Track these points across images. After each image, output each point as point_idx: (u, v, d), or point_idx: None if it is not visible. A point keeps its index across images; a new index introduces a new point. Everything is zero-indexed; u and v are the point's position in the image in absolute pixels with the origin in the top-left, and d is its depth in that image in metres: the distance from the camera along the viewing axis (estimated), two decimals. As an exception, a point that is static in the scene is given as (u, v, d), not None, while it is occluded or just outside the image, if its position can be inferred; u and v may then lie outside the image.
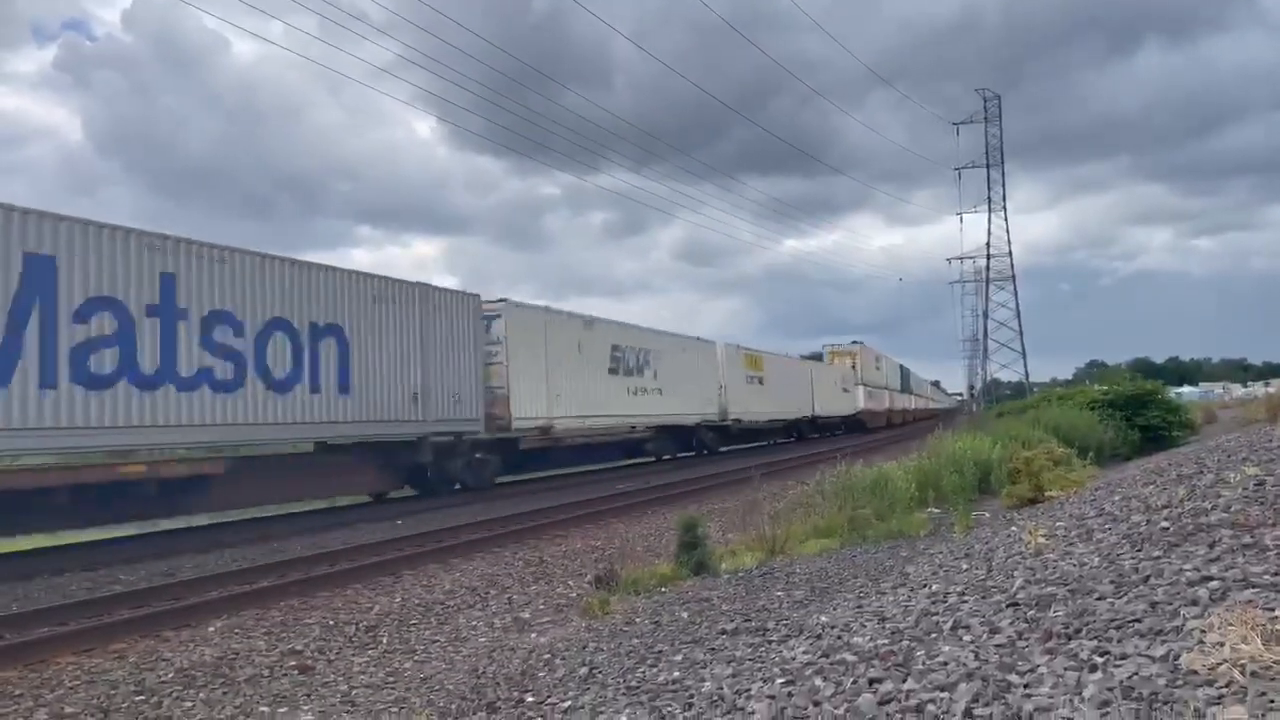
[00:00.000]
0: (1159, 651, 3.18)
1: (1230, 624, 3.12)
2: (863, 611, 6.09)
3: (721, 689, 4.66)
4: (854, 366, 54.43)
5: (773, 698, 4.03)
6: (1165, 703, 2.76)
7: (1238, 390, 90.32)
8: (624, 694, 5.62)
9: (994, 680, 3.38)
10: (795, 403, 41.90)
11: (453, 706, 6.01)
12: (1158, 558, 4.66)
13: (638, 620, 7.98)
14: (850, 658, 4.37)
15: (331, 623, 8.30)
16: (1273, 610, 3.21)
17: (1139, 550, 5.02)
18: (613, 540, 13.13)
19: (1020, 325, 79.92)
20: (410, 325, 17.61)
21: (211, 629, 8.05)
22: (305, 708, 6.15)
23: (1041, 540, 6.70)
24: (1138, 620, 3.63)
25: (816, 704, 3.75)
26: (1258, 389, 75.90)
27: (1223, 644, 3.00)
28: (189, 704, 6.17)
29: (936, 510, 13.81)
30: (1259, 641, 2.91)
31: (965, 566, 7.00)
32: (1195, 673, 2.90)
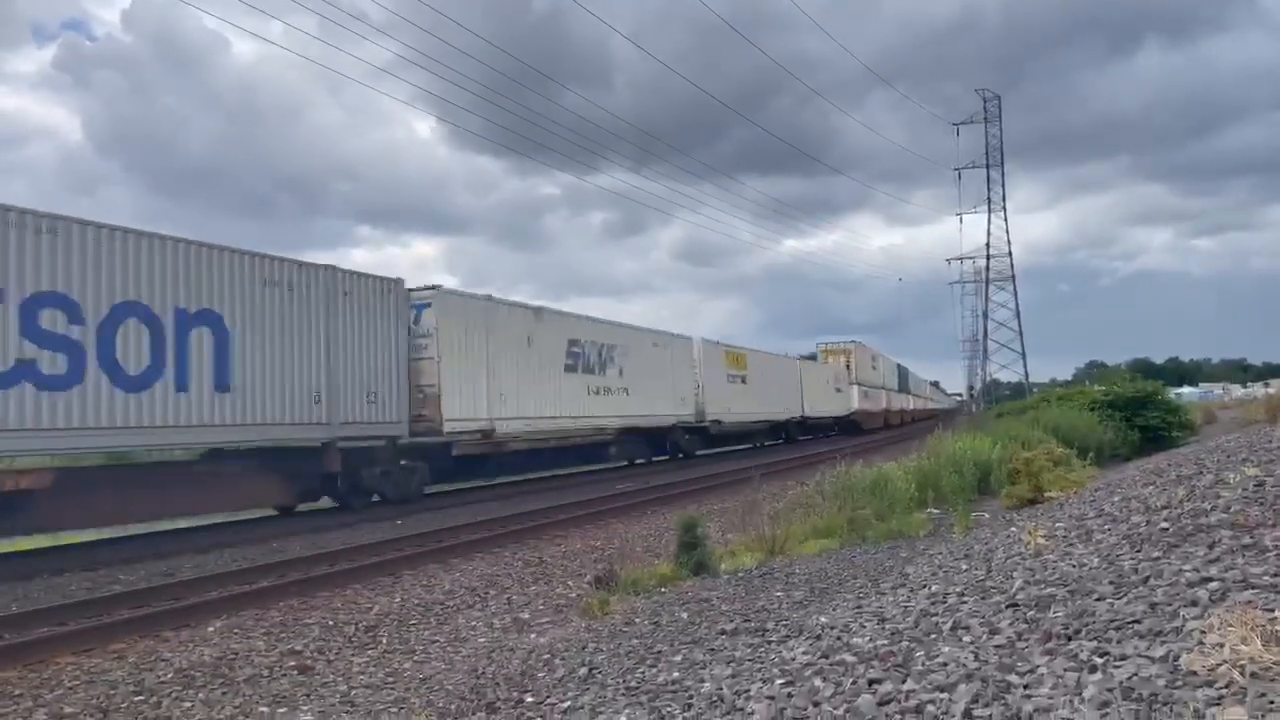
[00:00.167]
0: (1159, 652, 3.18)
1: (1230, 625, 3.12)
2: (862, 612, 6.09)
3: (721, 689, 4.65)
4: (848, 366, 52.81)
5: (772, 698, 4.03)
6: (1165, 703, 2.76)
7: (1237, 391, 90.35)
8: (623, 694, 5.61)
9: (994, 681, 3.38)
10: (783, 403, 40.09)
11: (452, 707, 6.01)
12: (1157, 559, 4.66)
13: (637, 621, 7.98)
14: (850, 658, 4.36)
15: (331, 623, 8.29)
16: (1272, 611, 3.21)
17: (1139, 551, 5.02)
18: (612, 540, 13.13)
19: (1020, 325, 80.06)
20: (313, 314, 15.46)
21: (211, 629, 8.05)
22: (305, 708, 6.15)
23: (1041, 541, 6.70)
24: (1137, 621, 3.63)
25: (816, 704, 3.75)
26: (1257, 389, 75.92)
27: (1222, 645, 3.00)
28: (188, 704, 6.17)
29: (936, 511, 13.81)
30: (1259, 642, 2.91)
31: (965, 567, 7.00)
32: (1195, 673, 2.90)
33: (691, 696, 4.92)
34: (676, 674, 5.90)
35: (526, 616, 8.73)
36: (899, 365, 71.66)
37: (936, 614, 5.00)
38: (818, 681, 4.09)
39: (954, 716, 3.18)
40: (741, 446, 37.63)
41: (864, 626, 5.39)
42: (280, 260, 15.06)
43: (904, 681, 3.70)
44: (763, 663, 5.29)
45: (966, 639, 4.18)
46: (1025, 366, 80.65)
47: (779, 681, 4.32)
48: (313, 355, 15.41)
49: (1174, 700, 2.76)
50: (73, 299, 11.93)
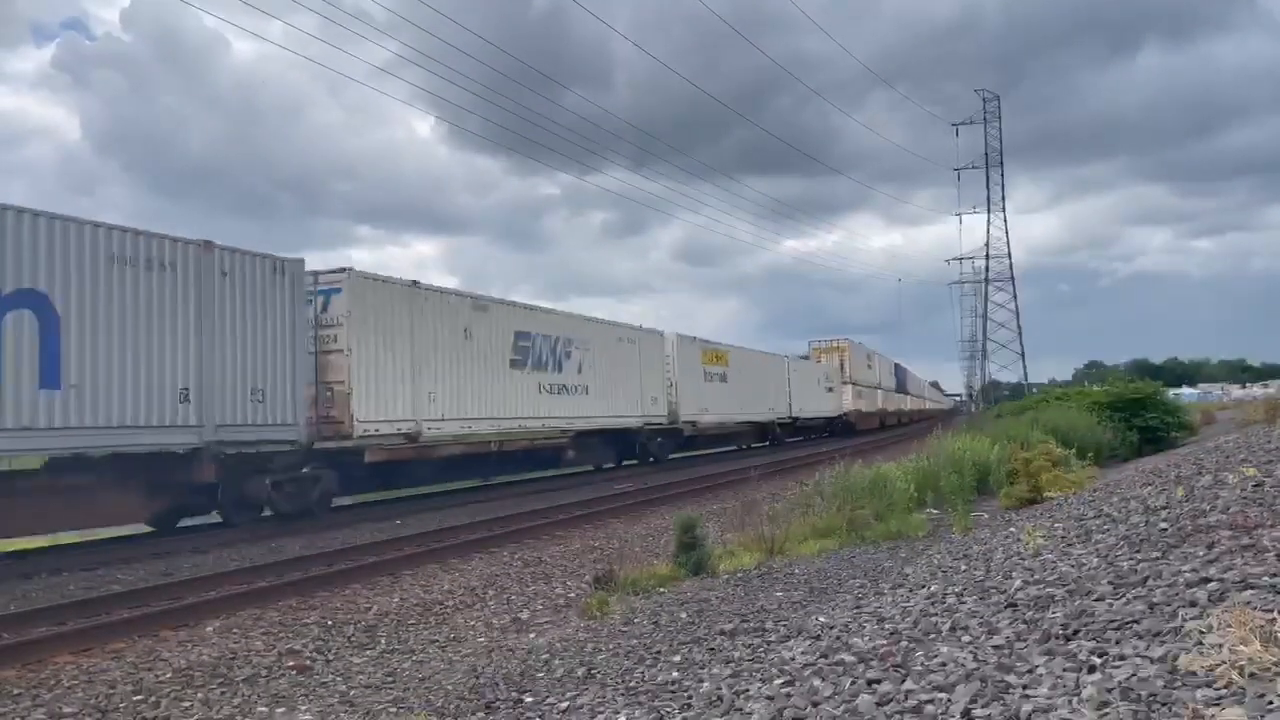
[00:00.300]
0: (1157, 653, 3.18)
1: (1229, 625, 3.13)
2: (861, 612, 6.09)
3: (720, 689, 4.65)
4: (842, 364, 50.83)
5: (771, 698, 4.03)
6: (1164, 704, 2.76)
7: (1236, 391, 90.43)
8: (622, 694, 5.62)
9: (992, 681, 3.38)
10: (768, 403, 37.76)
11: (451, 706, 6.01)
12: (1156, 559, 4.67)
13: (636, 621, 7.98)
14: (849, 658, 4.37)
15: (330, 623, 8.29)
16: (1271, 612, 3.21)
17: (1137, 551, 5.02)
18: (611, 541, 13.14)
19: (1019, 326, 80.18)
20: (179, 297, 12.97)
21: (210, 629, 8.05)
22: (303, 708, 6.14)
23: (1040, 541, 6.71)
24: (1136, 621, 3.63)
25: (815, 705, 3.75)
26: (1256, 390, 76.00)
27: (1221, 645, 3.00)
28: (187, 704, 6.17)
29: (935, 511, 13.82)
30: (1257, 643, 2.91)
31: (964, 567, 7.01)
32: (1194, 674, 2.91)
33: (690, 697, 4.92)
34: (675, 674, 5.91)
35: (525, 616, 8.73)
36: (896, 365, 70.17)
37: (935, 614, 5.01)
38: (817, 682, 4.10)
39: (953, 717, 3.18)
40: (722, 450, 35.45)
41: (863, 627, 5.39)
42: (135, 234, 12.53)
43: (903, 682, 3.70)
44: (762, 663, 5.29)
45: (965, 639, 4.18)
46: (1024, 367, 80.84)
47: (778, 681, 4.33)
48: (179, 346, 12.95)
49: (1173, 701, 2.76)
50: None
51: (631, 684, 5.90)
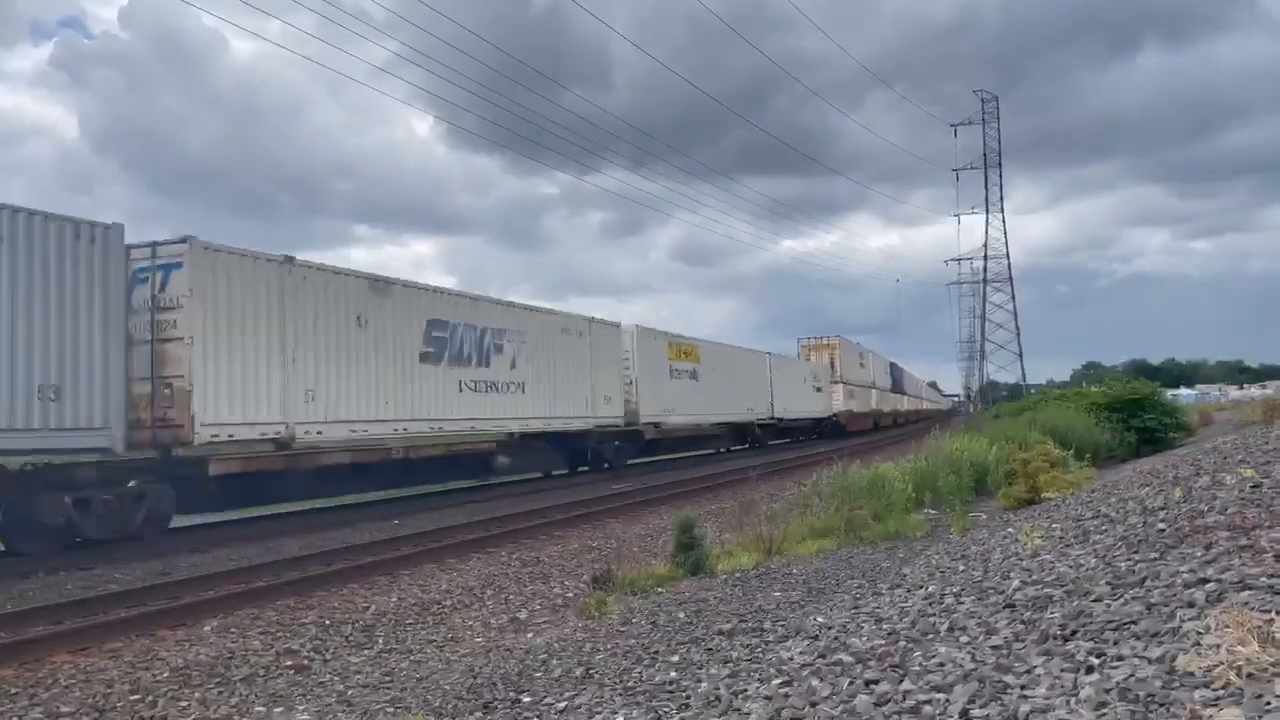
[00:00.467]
0: (1155, 653, 3.18)
1: (1227, 626, 3.13)
2: (859, 612, 6.09)
3: (718, 689, 4.65)
4: (832, 362, 48.50)
5: (769, 699, 4.03)
6: (1162, 704, 2.76)
7: (1234, 392, 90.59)
8: (620, 694, 5.62)
9: (991, 681, 3.38)
10: (746, 402, 35.23)
11: (449, 706, 6.01)
12: (1154, 559, 4.67)
13: (634, 621, 7.98)
14: (847, 659, 4.37)
15: (328, 622, 8.29)
16: (1269, 612, 3.22)
17: (1135, 552, 5.02)
18: (609, 541, 13.14)
19: (1017, 326, 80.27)
20: None
21: (207, 628, 8.04)
22: (301, 707, 6.14)
23: (1038, 542, 6.71)
24: (1134, 622, 3.63)
25: (813, 705, 3.75)
26: (1254, 391, 76.10)
27: (1219, 646, 3.01)
28: (184, 703, 6.16)
29: (933, 511, 13.84)
30: (1255, 643, 2.92)
31: (962, 568, 7.01)
32: (1191, 674, 2.91)
33: (688, 697, 4.92)
34: (673, 674, 5.91)
35: (523, 616, 8.72)
36: (892, 364, 68.18)
37: (933, 614, 5.01)
38: (815, 682, 4.10)
39: (951, 717, 3.18)
40: (693, 454, 32.71)
41: (861, 627, 5.39)
42: None
43: (901, 682, 3.70)
44: (760, 663, 5.29)
45: (963, 639, 4.18)
46: (1022, 367, 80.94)
47: (776, 682, 4.33)
48: None
49: (1171, 701, 2.76)
50: None
51: (629, 684, 5.90)
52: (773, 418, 37.95)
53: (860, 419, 52.05)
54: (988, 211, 79.71)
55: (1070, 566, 5.23)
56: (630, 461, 27.00)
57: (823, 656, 4.66)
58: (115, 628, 7.82)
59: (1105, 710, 2.82)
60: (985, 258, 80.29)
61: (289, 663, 7.09)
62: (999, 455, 16.90)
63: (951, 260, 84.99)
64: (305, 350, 14.94)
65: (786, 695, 4.00)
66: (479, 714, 5.84)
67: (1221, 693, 2.73)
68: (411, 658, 7.34)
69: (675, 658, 6.50)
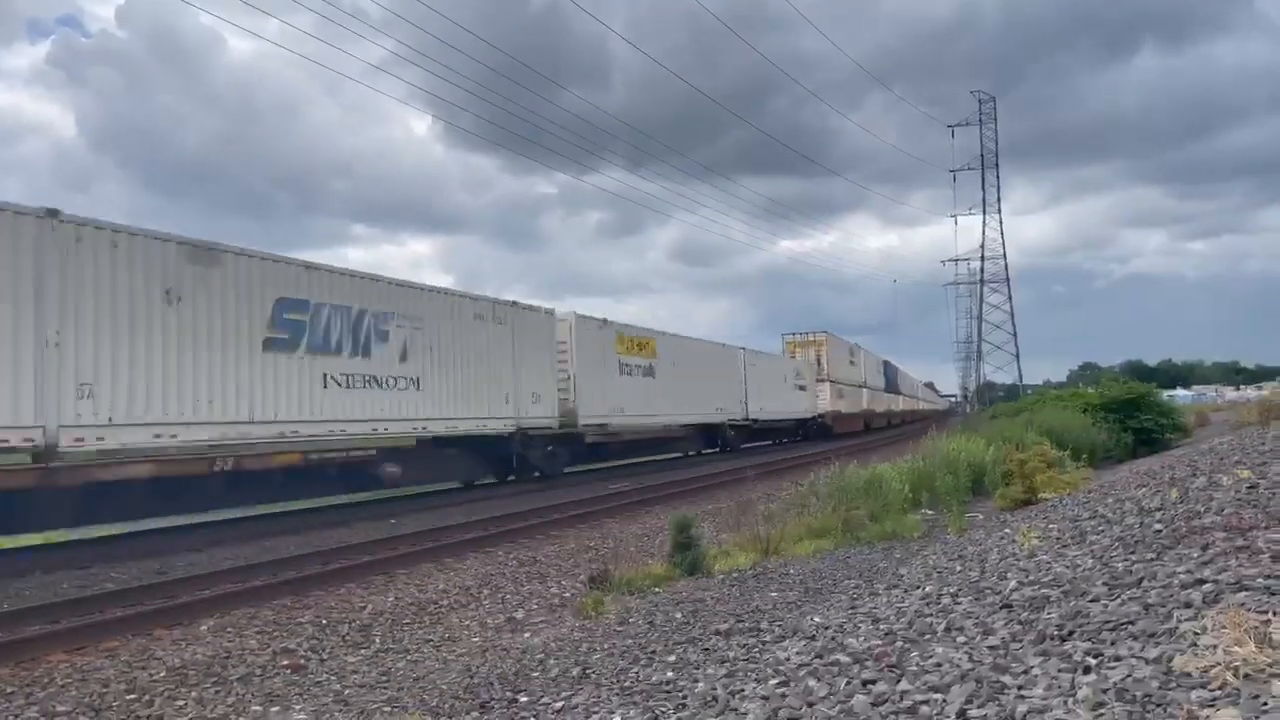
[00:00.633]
0: (1152, 654, 3.18)
1: (1223, 626, 3.13)
2: (856, 613, 6.10)
3: (715, 689, 4.65)
4: (818, 360, 45.86)
5: (766, 699, 4.03)
6: (1159, 705, 2.76)
7: (1230, 393, 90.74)
8: (617, 694, 5.62)
9: (988, 682, 3.38)
10: (716, 401, 32.33)
11: (446, 706, 6.00)
12: (1151, 560, 4.68)
13: (631, 620, 7.98)
14: (844, 659, 4.37)
15: (324, 622, 8.28)
16: (1265, 613, 3.22)
17: (1132, 552, 5.03)
18: (607, 540, 13.13)
19: (1014, 327, 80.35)
20: None
21: (204, 628, 8.03)
22: (298, 707, 6.13)
23: (1035, 542, 6.72)
24: (1131, 622, 3.64)
25: (810, 705, 3.75)
26: (1250, 392, 76.23)
27: (1216, 646, 3.01)
28: (181, 703, 6.15)
29: (930, 512, 13.85)
30: (1252, 644, 2.92)
31: (959, 568, 7.02)
32: (1189, 675, 2.91)
33: (685, 697, 4.92)
34: (670, 674, 5.91)
35: (520, 616, 8.72)
36: (886, 362, 66.11)
37: (930, 615, 5.01)
38: (812, 682, 4.10)
39: (949, 717, 3.18)
40: (653, 459, 29.34)
41: (858, 627, 5.40)
42: None
43: (898, 682, 3.70)
44: (757, 663, 5.29)
45: (960, 640, 4.19)
46: (1019, 368, 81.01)
47: (773, 682, 4.33)
48: None
49: (1168, 702, 2.76)
50: None
51: (626, 684, 5.90)
52: (747, 418, 35.31)
53: (849, 420, 49.83)
54: (985, 212, 79.86)
55: (1067, 567, 5.24)
56: (569, 469, 23.69)
57: (820, 657, 4.66)
58: (112, 627, 7.81)
59: (1102, 710, 2.82)
60: (982, 258, 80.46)
61: (286, 662, 7.08)
62: (996, 456, 16.92)
63: (949, 261, 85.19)
64: (79, 332, 11.75)
65: (783, 695, 4.00)
66: (476, 713, 5.83)
67: (1218, 693, 2.74)
68: (408, 657, 7.33)
69: (672, 658, 6.50)
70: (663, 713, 4.75)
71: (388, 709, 6.05)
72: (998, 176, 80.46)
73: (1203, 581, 3.90)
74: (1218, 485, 6.72)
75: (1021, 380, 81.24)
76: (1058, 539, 6.63)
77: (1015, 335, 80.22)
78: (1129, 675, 3.03)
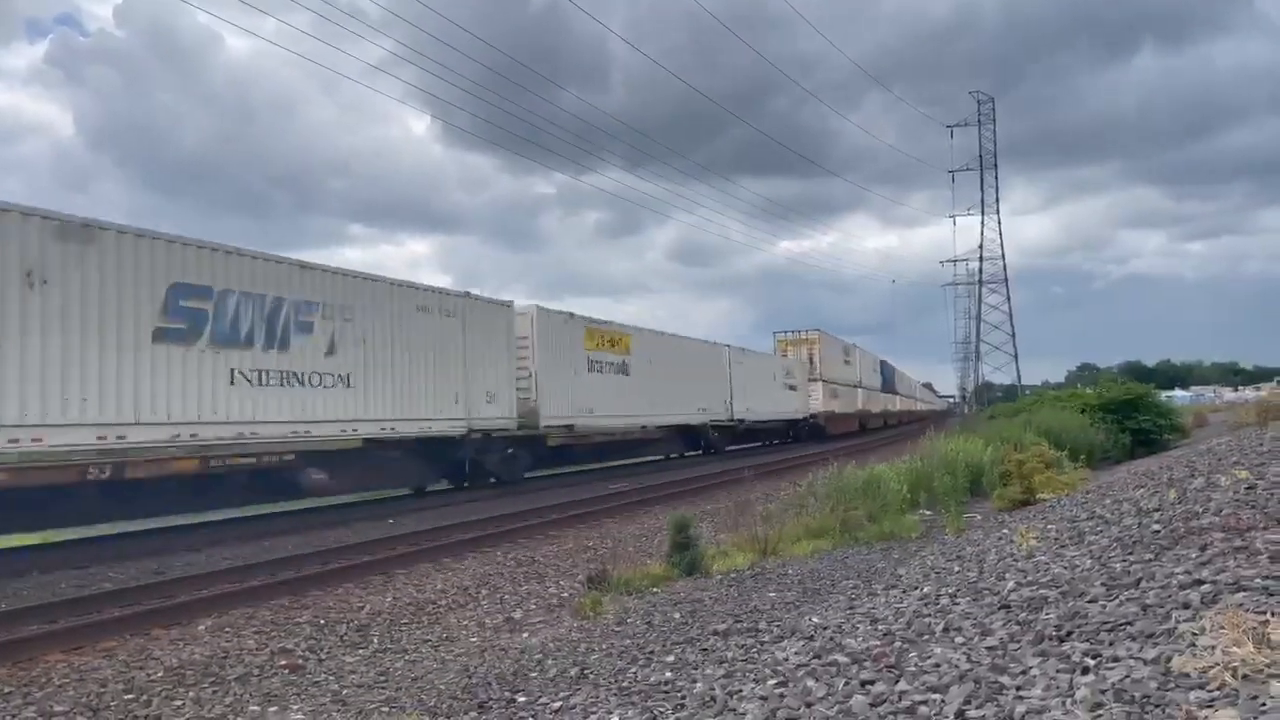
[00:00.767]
0: (1151, 654, 3.18)
1: (1222, 627, 3.13)
2: (855, 613, 6.10)
3: (713, 690, 4.65)
4: (811, 359, 44.13)
5: (765, 699, 4.03)
6: (1157, 705, 2.76)
7: (1229, 394, 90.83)
8: (615, 694, 5.61)
9: (986, 682, 3.38)
10: (698, 401, 30.60)
11: (444, 706, 6.00)
12: (1149, 561, 4.68)
13: (630, 620, 7.98)
14: (843, 659, 4.37)
15: (322, 622, 8.27)
16: (1264, 613, 3.22)
17: (1130, 553, 5.03)
18: (605, 540, 13.13)
19: (1013, 328, 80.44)
20: None
21: (201, 627, 8.02)
22: (295, 707, 6.13)
23: (1033, 543, 6.73)
24: (1129, 623, 3.64)
25: (809, 705, 3.75)
26: (1248, 393, 76.31)
27: (1214, 647, 3.01)
28: (179, 702, 6.14)
29: (928, 512, 13.86)
30: (1250, 644, 2.92)
31: (957, 569, 7.02)
32: (1187, 675, 2.91)
33: (684, 697, 4.92)
34: (669, 674, 5.91)
35: (519, 616, 8.71)
36: (882, 361, 64.73)
37: (929, 615, 5.01)
38: (810, 682, 4.10)
39: (947, 717, 3.18)
40: (625, 462, 27.63)
41: (857, 627, 5.40)
42: None
43: (897, 682, 3.70)
44: (755, 663, 5.29)
45: (959, 640, 4.19)
46: (1018, 369, 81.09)
47: (771, 682, 4.32)
48: None
49: (1166, 702, 2.76)
50: None
51: (624, 684, 5.90)
52: (732, 419, 33.61)
53: (843, 420, 48.12)
54: (983, 213, 79.92)
55: (1065, 568, 5.24)
56: (531, 474, 22.03)
57: (818, 657, 4.66)
58: (109, 627, 7.80)
59: (1101, 711, 2.82)
60: (981, 259, 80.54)
61: (283, 662, 7.07)
62: (994, 456, 16.93)
63: (947, 261, 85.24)
64: None
65: (782, 696, 4.00)
66: (474, 714, 5.83)
67: (1217, 694, 2.74)
68: (406, 657, 7.33)
69: (670, 658, 6.50)
70: (661, 713, 4.75)
71: (385, 709, 6.04)
72: (996, 177, 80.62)
73: (1201, 582, 3.90)
74: (1216, 486, 6.73)
75: (1020, 381, 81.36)
76: (1056, 540, 6.63)
77: (1014, 336, 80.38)
78: (1127, 676, 3.03)
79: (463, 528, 13.82)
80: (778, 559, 10.73)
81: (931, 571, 7.46)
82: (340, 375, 15.79)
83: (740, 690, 4.42)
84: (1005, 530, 8.86)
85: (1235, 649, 2.92)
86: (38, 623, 7.94)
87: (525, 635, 7.94)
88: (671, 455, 31.10)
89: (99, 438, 11.90)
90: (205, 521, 14.74)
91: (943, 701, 3.31)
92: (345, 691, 6.44)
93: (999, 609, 4.60)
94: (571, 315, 23.58)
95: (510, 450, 20.77)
